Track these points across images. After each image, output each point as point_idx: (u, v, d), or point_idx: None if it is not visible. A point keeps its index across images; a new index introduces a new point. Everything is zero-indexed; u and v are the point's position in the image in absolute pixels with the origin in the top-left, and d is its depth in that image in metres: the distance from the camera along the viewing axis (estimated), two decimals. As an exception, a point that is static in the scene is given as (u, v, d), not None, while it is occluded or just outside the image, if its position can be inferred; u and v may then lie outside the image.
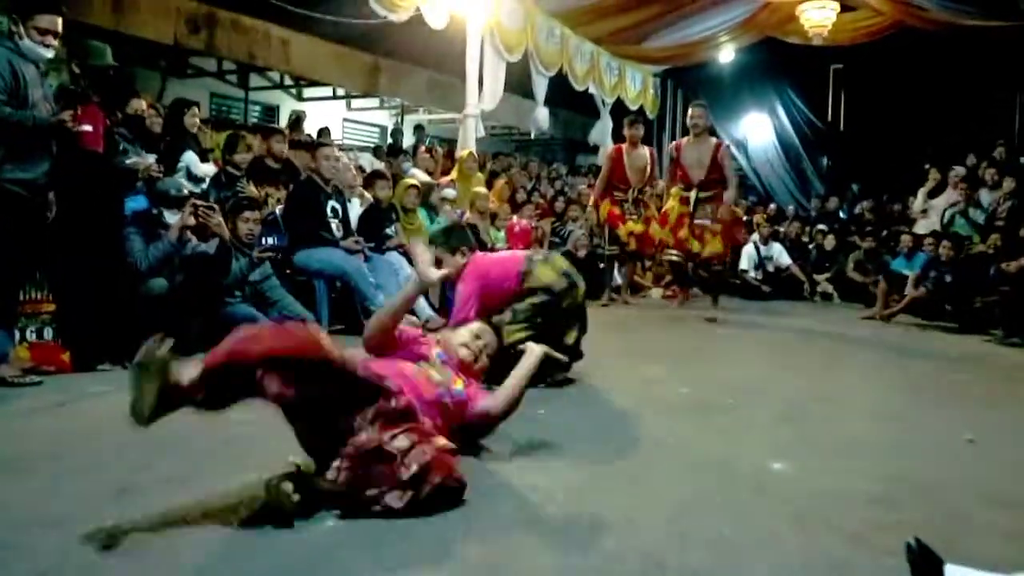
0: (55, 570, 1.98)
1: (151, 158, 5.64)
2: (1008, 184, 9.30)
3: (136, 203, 5.43)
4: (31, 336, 4.75)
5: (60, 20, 4.36)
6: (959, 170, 10.44)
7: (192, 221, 5.15)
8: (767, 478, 2.86)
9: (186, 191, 5.64)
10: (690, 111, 7.90)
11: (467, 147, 9.76)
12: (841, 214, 13.30)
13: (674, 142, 8.17)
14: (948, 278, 8.03)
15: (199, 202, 5.25)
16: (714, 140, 7.85)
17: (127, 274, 4.86)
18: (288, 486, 2.24)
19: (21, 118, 4.14)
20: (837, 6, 11.29)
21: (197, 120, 7.03)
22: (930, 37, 11.73)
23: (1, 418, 3.53)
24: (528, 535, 2.25)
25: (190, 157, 6.35)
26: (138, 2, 9.44)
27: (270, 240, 5.63)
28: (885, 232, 11.28)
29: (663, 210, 8.08)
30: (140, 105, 6.35)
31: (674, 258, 7.93)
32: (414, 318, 6.46)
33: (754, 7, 11.88)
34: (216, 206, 5.46)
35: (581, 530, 2.30)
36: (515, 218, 9.14)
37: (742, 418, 3.81)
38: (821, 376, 5.03)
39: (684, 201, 7.63)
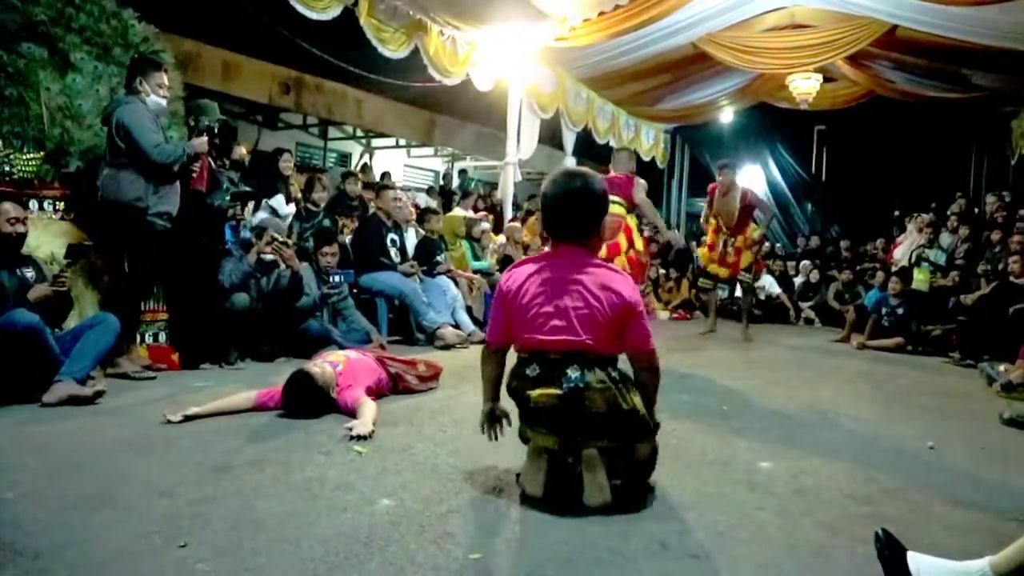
0: (169, 529, 2.03)
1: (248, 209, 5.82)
2: (964, 230, 9.18)
3: (244, 233, 5.59)
4: (149, 339, 4.87)
5: (166, 76, 4.54)
6: (924, 217, 10.33)
7: (267, 250, 5.23)
8: (757, 476, 2.84)
9: (282, 229, 5.78)
10: (718, 176, 7.62)
11: (507, 188, 9.81)
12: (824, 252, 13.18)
13: (712, 185, 7.69)
14: (900, 311, 7.90)
15: (277, 236, 5.33)
16: (740, 190, 7.56)
17: (219, 290, 4.98)
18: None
19: (176, 154, 4.34)
20: (820, 77, 11.24)
21: (290, 164, 7.13)
22: (899, 104, 11.64)
23: (125, 406, 3.62)
24: (551, 517, 2.25)
25: (278, 199, 6.47)
26: (241, 69, 9.67)
27: (338, 278, 5.77)
28: (859, 267, 11.22)
29: (709, 241, 7.81)
30: (241, 152, 6.50)
31: (707, 285, 8.08)
32: (460, 331, 6.52)
33: (750, 77, 11.85)
34: (289, 242, 5.54)
35: (599, 516, 2.26)
36: (545, 249, 9.15)
37: (735, 423, 3.78)
38: (804, 389, 4.97)
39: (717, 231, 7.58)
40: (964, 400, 4.92)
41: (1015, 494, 2.73)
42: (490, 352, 2.60)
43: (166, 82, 4.53)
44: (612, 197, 5.64)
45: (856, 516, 2.38)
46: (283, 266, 5.30)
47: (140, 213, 4.28)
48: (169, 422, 3.21)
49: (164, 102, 4.54)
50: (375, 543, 2.00)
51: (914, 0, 7.83)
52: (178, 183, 4.52)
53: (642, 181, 5.98)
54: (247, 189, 5.66)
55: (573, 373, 2.29)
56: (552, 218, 2.48)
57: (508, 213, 9.83)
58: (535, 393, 2.34)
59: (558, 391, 2.29)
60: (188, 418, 3.27)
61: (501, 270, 8.04)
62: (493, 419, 2.64)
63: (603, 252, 5.52)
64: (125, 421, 3.31)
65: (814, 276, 11.19)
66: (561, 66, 10.15)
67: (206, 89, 8.18)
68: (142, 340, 4.78)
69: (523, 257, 8.56)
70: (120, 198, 4.27)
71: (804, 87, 11.20)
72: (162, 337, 4.93)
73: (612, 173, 6.03)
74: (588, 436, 2.33)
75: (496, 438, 2.66)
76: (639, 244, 5.88)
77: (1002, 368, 5.51)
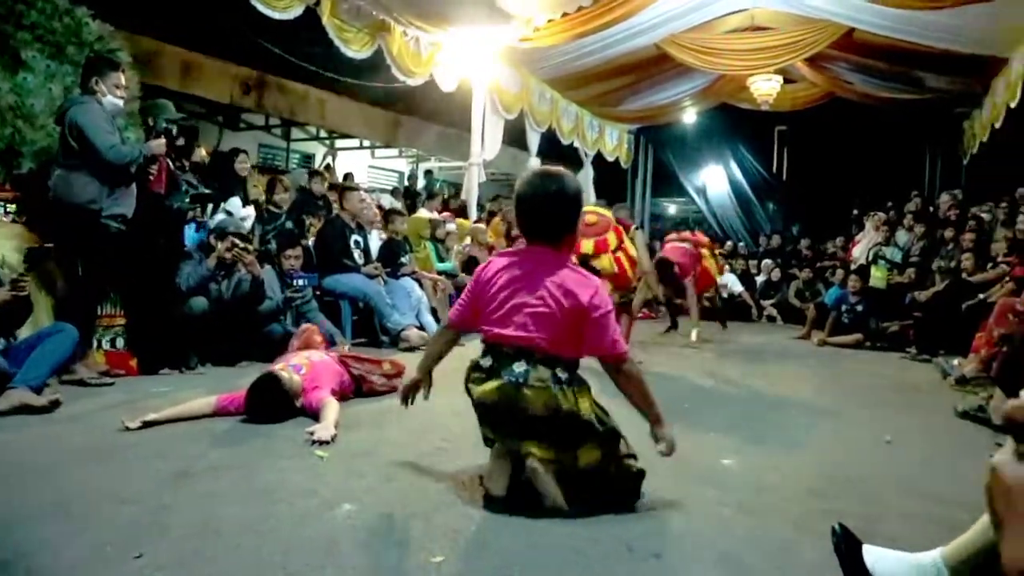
0: (127, 538, 1.99)
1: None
2: (920, 228, 9.38)
3: (201, 235, 5.49)
4: (106, 345, 4.76)
5: (123, 76, 4.45)
6: (881, 215, 10.55)
7: (228, 256, 5.15)
8: (720, 473, 2.87)
9: (244, 230, 5.69)
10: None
11: (472, 190, 9.79)
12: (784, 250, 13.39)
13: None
14: (859, 308, 8.05)
15: (237, 241, 5.26)
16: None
17: (178, 294, 4.90)
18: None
19: (133, 155, 4.24)
20: (781, 79, 11.41)
21: (247, 165, 7.02)
22: (857, 105, 11.87)
23: (82, 413, 3.53)
24: (515, 519, 2.24)
25: (235, 201, 6.37)
26: (202, 68, 9.53)
27: (301, 282, 5.71)
28: (819, 265, 11.42)
29: None
30: (202, 153, 6.40)
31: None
32: (424, 333, 6.49)
33: (712, 78, 11.99)
34: (250, 247, 5.46)
35: (563, 518, 2.26)
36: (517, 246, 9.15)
37: (698, 421, 3.81)
38: (766, 386, 5.04)
39: None
40: (920, 394, 5.03)
41: (968, 484, 2.78)
42: (446, 329, 2.65)
43: (123, 82, 4.44)
44: (604, 211, 5.87)
45: (817, 511, 2.41)
46: (243, 270, 5.23)
47: (94, 215, 4.19)
48: (127, 429, 3.15)
49: (121, 103, 4.45)
50: (336, 549, 1.98)
51: (870, 4, 8.00)
52: (134, 185, 4.44)
53: (642, 234, 6.27)
54: (207, 191, 5.57)
55: (518, 368, 2.31)
56: (526, 219, 2.46)
57: (473, 214, 9.82)
58: (477, 390, 2.37)
59: (498, 383, 2.31)
60: (147, 424, 3.20)
61: (465, 271, 8.02)
62: (412, 388, 2.69)
63: (590, 246, 5.54)
64: (81, 428, 3.23)
65: (775, 275, 11.37)
66: (525, 67, 10.17)
67: (165, 89, 8.04)
68: (99, 346, 4.68)
69: (487, 257, 8.60)
70: (73, 200, 4.17)
71: (765, 88, 11.36)
72: (119, 342, 4.83)
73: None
74: (524, 435, 2.31)
75: (409, 404, 2.71)
76: (631, 250, 5.89)
77: (956, 363, 5.65)
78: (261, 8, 6.29)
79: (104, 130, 4.17)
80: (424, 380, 2.65)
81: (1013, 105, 8.47)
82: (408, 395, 2.69)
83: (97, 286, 4.45)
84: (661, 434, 2.43)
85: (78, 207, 4.16)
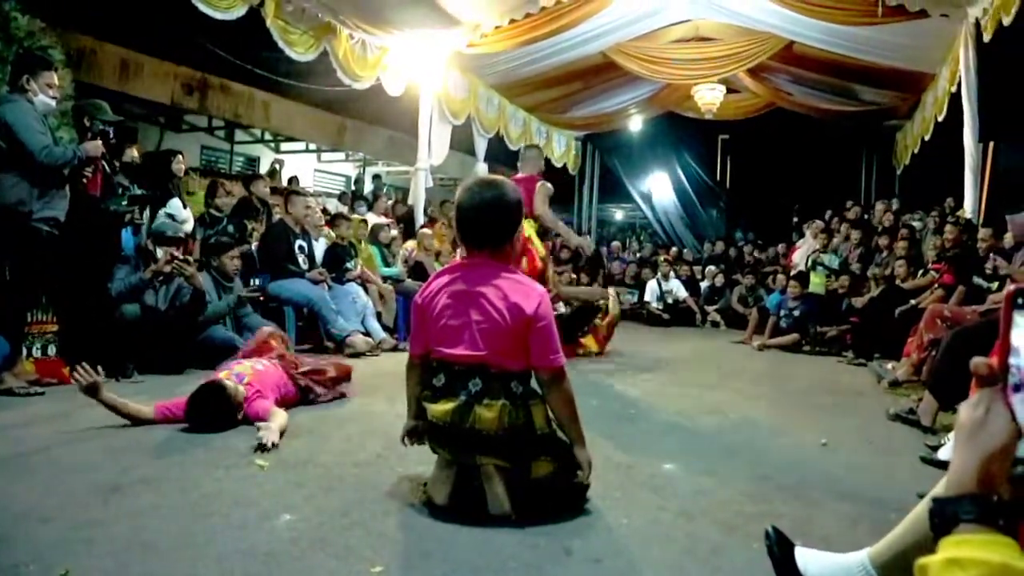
0: (50, 556, 1.91)
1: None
2: (856, 235, 9.66)
3: (138, 239, 5.35)
4: (37, 352, 4.60)
5: (56, 75, 4.32)
6: (819, 223, 10.84)
7: (167, 269, 5.04)
8: (660, 477, 2.90)
9: (182, 233, 5.56)
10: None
11: (419, 194, 9.74)
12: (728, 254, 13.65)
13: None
14: (797, 312, 8.26)
15: (177, 254, 5.15)
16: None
17: (112, 300, 4.77)
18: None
19: (66, 157, 4.10)
20: (724, 88, 11.66)
21: (182, 167, 6.84)
22: (797, 115, 12.18)
23: (8, 425, 3.40)
24: (457, 527, 2.23)
25: (175, 203, 6.19)
26: (142, 68, 9.30)
27: (256, 282, 5.63)
28: (762, 270, 11.67)
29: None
30: (133, 153, 6.20)
31: None
32: (370, 339, 6.42)
33: (658, 86, 12.18)
34: (191, 259, 5.35)
35: (505, 526, 2.26)
36: (457, 255, 9.13)
37: (642, 427, 3.85)
38: (708, 391, 5.11)
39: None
40: (855, 397, 5.16)
41: (897, 485, 2.88)
42: (413, 364, 2.55)
43: (56, 82, 4.30)
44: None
45: (752, 514, 2.46)
46: (183, 280, 5.12)
47: (23, 218, 4.04)
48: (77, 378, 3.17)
49: (53, 103, 4.31)
50: (273, 560, 1.94)
51: (808, 18, 8.24)
52: (67, 188, 4.30)
53: (548, 186, 5.80)
54: (144, 192, 5.43)
55: (473, 387, 2.30)
56: (465, 228, 2.43)
57: (420, 219, 9.77)
58: (431, 409, 2.35)
59: (454, 404, 2.29)
60: (97, 384, 3.24)
61: (411, 277, 7.98)
62: (414, 434, 2.60)
63: None
64: (5, 442, 3.10)
65: (719, 280, 11.57)
66: (473, 72, 10.17)
67: (103, 88, 7.84)
68: (29, 354, 4.51)
69: (434, 263, 8.58)
70: (0, 202, 4.02)
71: (709, 97, 11.60)
72: (51, 350, 4.66)
73: (520, 173, 5.92)
74: (480, 452, 2.30)
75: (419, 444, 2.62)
76: (540, 249, 5.65)
77: (890, 366, 5.83)
78: (202, 8, 6.14)
79: (36, 130, 4.04)
80: (420, 424, 2.55)
81: (941, 119, 8.81)
82: (409, 440, 2.60)
83: (27, 292, 4.30)
84: (580, 455, 2.41)
85: (6, 209, 4.01)
